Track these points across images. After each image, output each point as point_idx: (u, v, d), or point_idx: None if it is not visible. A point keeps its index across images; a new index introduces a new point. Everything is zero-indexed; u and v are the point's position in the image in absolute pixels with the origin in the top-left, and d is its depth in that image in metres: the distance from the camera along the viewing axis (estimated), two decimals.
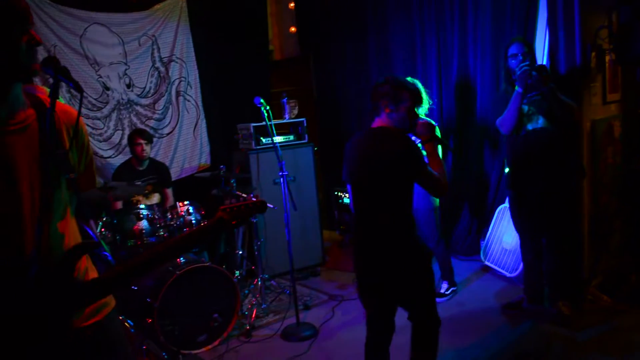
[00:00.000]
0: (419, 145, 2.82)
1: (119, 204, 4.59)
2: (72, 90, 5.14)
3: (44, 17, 4.95)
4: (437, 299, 3.34)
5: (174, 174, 5.53)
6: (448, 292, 4.43)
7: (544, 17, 4.33)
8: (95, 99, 5.28)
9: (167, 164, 5.42)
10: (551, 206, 3.81)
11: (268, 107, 4.15)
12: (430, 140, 2.79)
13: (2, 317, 1.47)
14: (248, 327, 4.13)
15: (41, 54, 4.94)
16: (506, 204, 4.57)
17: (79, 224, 1.78)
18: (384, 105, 2.74)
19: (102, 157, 5.27)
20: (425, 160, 2.72)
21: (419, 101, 2.88)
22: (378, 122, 2.79)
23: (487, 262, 5.02)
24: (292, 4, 6.85)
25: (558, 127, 3.72)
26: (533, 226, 3.95)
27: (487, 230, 5.06)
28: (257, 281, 4.62)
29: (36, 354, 1.52)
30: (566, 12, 3.95)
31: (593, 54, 4.04)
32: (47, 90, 1.64)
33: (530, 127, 3.76)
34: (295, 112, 5.62)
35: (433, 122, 2.87)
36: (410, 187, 2.71)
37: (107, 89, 5.33)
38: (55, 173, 1.61)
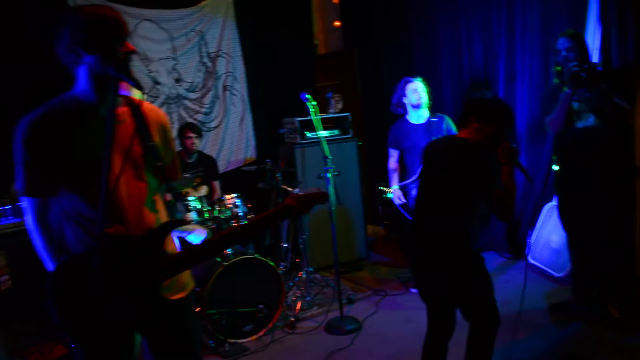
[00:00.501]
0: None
1: (169, 196, 4.71)
2: None
3: None
4: None
5: (221, 167, 5.62)
6: None
7: (595, 12, 4.21)
8: (145, 94, 5.40)
9: (214, 157, 5.53)
10: (602, 206, 3.71)
11: (315, 103, 4.17)
12: (509, 165, 2.71)
13: (110, 283, 1.73)
14: (292, 319, 4.19)
15: None
16: (553, 202, 4.48)
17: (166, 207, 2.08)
18: (473, 119, 2.74)
19: None
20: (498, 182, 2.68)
21: (508, 125, 2.83)
22: (463, 133, 2.80)
23: (533, 262, 4.94)
24: None
25: (609, 125, 3.62)
26: (582, 226, 3.85)
27: (534, 228, 4.97)
28: (302, 274, 4.67)
29: (132, 316, 1.81)
30: (619, 7, 3.83)
31: None
32: (136, 90, 1.82)
33: (580, 124, 3.67)
34: (340, 106, 5.64)
35: (516, 148, 2.78)
36: (474, 199, 2.69)
37: (157, 83, 5.46)
38: (146, 161, 1.90)
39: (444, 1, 5.59)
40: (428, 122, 4.42)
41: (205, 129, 5.76)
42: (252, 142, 6.22)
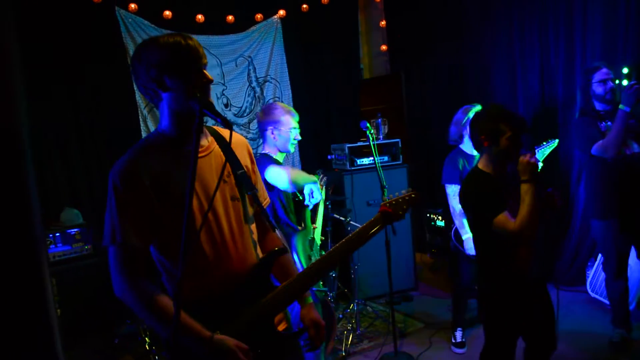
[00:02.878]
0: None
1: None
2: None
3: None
4: None
5: None
6: None
7: None
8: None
9: None
10: None
11: (373, 131, 4.06)
12: (528, 181, 2.53)
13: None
14: (343, 354, 4.05)
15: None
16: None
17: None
18: (482, 139, 2.65)
19: None
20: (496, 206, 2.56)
21: (522, 129, 2.66)
22: (479, 161, 2.74)
23: (593, 294, 4.70)
24: (383, 22, 6.79)
25: None
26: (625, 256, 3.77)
27: (593, 259, 4.74)
28: (353, 306, 4.53)
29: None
30: None
31: None
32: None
33: (627, 151, 3.55)
34: (385, 131, 5.54)
35: (534, 162, 2.60)
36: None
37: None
38: (239, 191, 1.85)
39: (497, 25, 5.45)
40: None
41: None
42: (298, 168, 6.15)
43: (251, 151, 2.01)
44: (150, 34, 5.14)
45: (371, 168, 5.13)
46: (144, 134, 5.17)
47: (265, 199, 2.04)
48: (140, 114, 5.15)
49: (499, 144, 2.61)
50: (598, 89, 3.63)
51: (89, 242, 4.30)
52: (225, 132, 1.89)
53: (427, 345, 4.19)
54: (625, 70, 4.47)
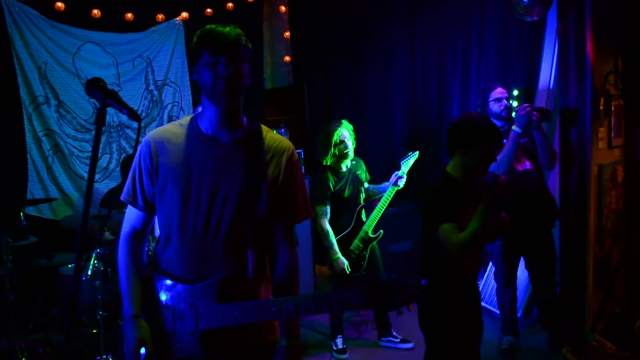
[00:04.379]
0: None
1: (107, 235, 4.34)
2: (60, 110, 4.93)
3: (36, 32, 4.78)
4: None
5: None
6: None
7: (549, 62, 4.42)
8: (85, 120, 5.06)
9: None
10: (537, 249, 3.83)
11: None
12: (490, 202, 2.50)
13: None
14: None
15: (30, 71, 4.74)
16: None
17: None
18: (457, 145, 2.64)
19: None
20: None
21: (497, 144, 2.69)
22: (449, 165, 2.72)
23: (483, 304, 4.91)
24: (287, 33, 6.78)
25: (540, 169, 3.83)
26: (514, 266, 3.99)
27: (483, 270, 4.97)
28: None
29: None
30: (578, 57, 3.94)
31: (602, 98, 4.04)
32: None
33: (520, 168, 3.77)
34: None
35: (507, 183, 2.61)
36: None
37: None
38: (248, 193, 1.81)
39: (399, 43, 5.63)
40: (348, 170, 4.09)
41: None
42: None
43: (292, 160, 1.90)
44: (39, 25, 4.78)
45: None
46: (28, 134, 4.76)
47: (296, 214, 1.93)
48: (24, 111, 4.73)
49: (471, 155, 2.61)
50: (494, 107, 3.82)
51: None
52: (271, 137, 1.89)
53: (328, 357, 4.17)
54: (515, 92, 4.76)
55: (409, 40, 5.53)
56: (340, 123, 4.02)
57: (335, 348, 4.14)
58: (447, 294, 2.64)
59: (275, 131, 1.89)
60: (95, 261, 3.77)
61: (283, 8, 6.74)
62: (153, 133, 1.84)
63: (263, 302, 1.73)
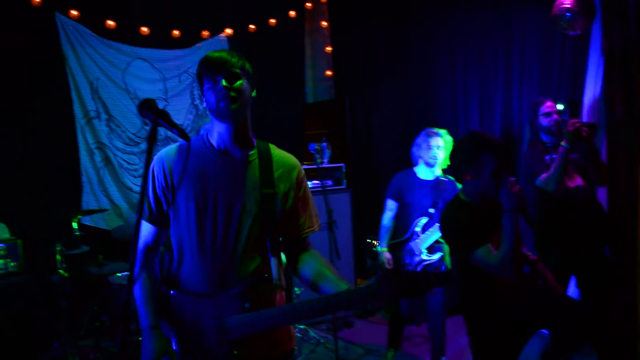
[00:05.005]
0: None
1: None
2: (110, 124, 5.10)
3: (88, 49, 4.95)
4: None
5: None
6: None
7: (594, 75, 4.35)
8: (133, 134, 5.22)
9: None
10: (589, 267, 3.67)
11: (320, 153, 4.04)
12: (511, 211, 2.44)
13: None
14: None
15: (83, 87, 4.92)
16: None
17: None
18: (464, 171, 2.61)
19: (137, 192, 5.17)
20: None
21: (505, 162, 2.62)
22: (462, 189, 2.70)
23: None
24: (328, 48, 6.86)
25: (592, 186, 3.72)
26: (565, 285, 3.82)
27: None
28: (295, 332, 4.42)
29: None
30: (624, 69, 3.87)
31: None
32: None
33: (570, 184, 3.68)
34: (329, 155, 5.55)
35: (518, 192, 2.50)
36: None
37: (146, 124, 5.27)
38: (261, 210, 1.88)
39: (441, 57, 5.62)
40: (437, 180, 4.03)
41: None
42: None
43: (301, 177, 2.00)
44: (91, 43, 4.95)
45: (316, 191, 5.08)
46: (81, 146, 4.93)
47: (310, 227, 2.01)
48: (77, 125, 4.91)
49: (480, 176, 2.56)
50: (544, 121, 3.76)
51: (15, 258, 3.99)
52: (278, 154, 1.98)
53: None
54: (560, 107, 4.69)
55: (449, 56, 5.53)
56: (438, 133, 4.01)
57: None
58: (491, 309, 2.63)
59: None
60: None
61: (324, 23, 6.83)
62: (166, 151, 1.92)
63: (294, 304, 1.76)
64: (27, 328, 3.93)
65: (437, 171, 4.04)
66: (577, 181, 3.70)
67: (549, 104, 3.78)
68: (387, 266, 4.03)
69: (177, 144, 1.94)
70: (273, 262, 1.88)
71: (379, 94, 6.36)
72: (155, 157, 1.90)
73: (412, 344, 4.65)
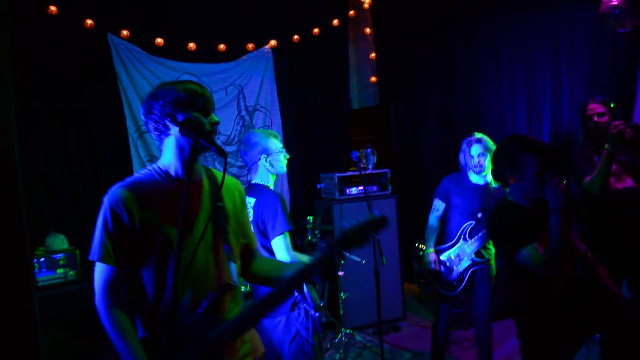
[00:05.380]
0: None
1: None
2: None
3: (139, 67, 5.18)
4: None
5: None
6: None
7: None
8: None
9: None
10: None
11: (363, 160, 4.08)
12: (558, 211, 2.41)
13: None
14: None
15: (135, 102, 5.15)
16: None
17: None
18: (508, 175, 2.60)
19: None
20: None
21: (548, 162, 2.55)
22: (509, 191, 2.69)
23: None
24: (373, 54, 6.89)
25: None
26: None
27: None
28: (341, 335, 4.49)
29: None
30: None
31: None
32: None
33: (619, 186, 3.57)
34: (374, 161, 5.57)
35: (565, 189, 2.45)
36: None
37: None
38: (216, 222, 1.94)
39: (486, 61, 5.57)
40: (487, 186, 3.95)
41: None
42: (286, 197, 6.14)
43: (243, 195, 2.14)
44: (142, 61, 5.18)
45: (360, 197, 5.14)
46: (134, 160, 5.17)
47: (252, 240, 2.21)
48: (130, 139, 5.16)
49: (524, 178, 2.56)
50: (589, 122, 3.69)
51: (74, 267, 4.24)
52: (219, 175, 2.06)
53: None
54: (610, 105, 4.57)
55: (495, 59, 5.47)
56: (479, 139, 3.94)
57: None
58: (543, 311, 2.60)
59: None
60: None
61: (368, 30, 6.86)
62: (119, 189, 1.84)
63: (260, 298, 1.87)
64: (87, 335, 4.16)
65: (489, 177, 3.96)
66: (627, 182, 3.60)
67: (591, 106, 3.69)
68: (433, 267, 4.00)
69: (128, 178, 1.91)
70: (233, 267, 1.97)
71: (424, 100, 6.34)
72: (107, 198, 1.83)
73: (460, 348, 4.62)
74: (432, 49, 6.12)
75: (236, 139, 5.78)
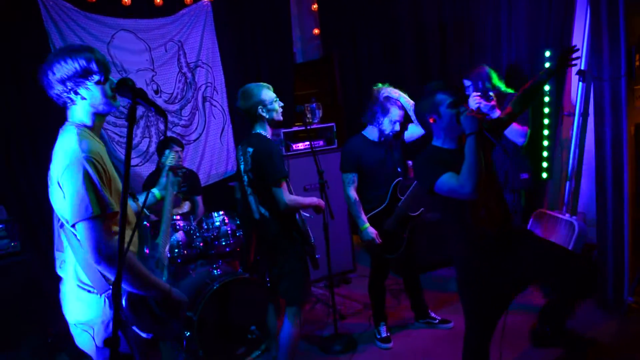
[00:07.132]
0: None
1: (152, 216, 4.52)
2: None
3: (71, 24, 4.91)
4: None
5: (201, 181, 5.45)
6: None
7: (582, 22, 4.44)
8: (123, 107, 5.20)
9: (194, 170, 5.35)
10: None
11: (308, 115, 4.05)
12: (471, 134, 2.52)
13: None
14: None
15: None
16: None
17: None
18: (428, 116, 2.71)
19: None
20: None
21: (460, 95, 2.78)
22: (433, 140, 2.79)
23: None
24: (315, 6, 6.76)
25: None
26: None
27: None
28: None
29: None
30: (610, 16, 3.84)
31: (637, 55, 3.93)
32: None
33: None
34: (320, 115, 5.54)
35: (482, 114, 2.72)
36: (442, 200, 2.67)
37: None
38: None
39: (428, 7, 5.56)
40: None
41: (185, 142, 5.58)
42: (233, 155, 6.06)
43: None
44: (73, 17, 4.90)
45: (307, 153, 5.13)
46: None
47: None
48: None
49: (441, 115, 2.67)
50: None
51: (15, 238, 4.08)
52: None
53: (367, 326, 4.28)
54: (547, 54, 4.67)
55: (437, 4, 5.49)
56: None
57: (379, 336, 4.04)
58: (473, 250, 2.71)
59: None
60: None
61: None
62: (90, 151, 1.95)
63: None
64: (35, 304, 4.06)
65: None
66: None
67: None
68: (378, 241, 3.79)
69: (83, 138, 2.03)
70: None
71: (368, 48, 6.28)
72: (85, 156, 1.92)
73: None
74: None
75: (179, 97, 5.61)
